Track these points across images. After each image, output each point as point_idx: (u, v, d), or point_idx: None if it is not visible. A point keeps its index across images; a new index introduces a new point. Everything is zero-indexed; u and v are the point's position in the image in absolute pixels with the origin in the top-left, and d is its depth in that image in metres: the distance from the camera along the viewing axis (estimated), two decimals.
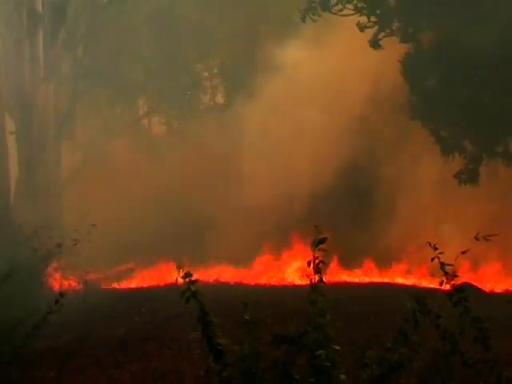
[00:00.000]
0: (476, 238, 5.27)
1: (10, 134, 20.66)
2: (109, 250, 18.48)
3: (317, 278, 4.81)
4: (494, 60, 15.11)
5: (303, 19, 17.64)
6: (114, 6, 23.04)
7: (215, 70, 30.24)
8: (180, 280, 4.98)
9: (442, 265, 5.04)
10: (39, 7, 20.69)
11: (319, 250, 4.78)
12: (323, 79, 22.61)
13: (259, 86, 23.69)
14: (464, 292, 4.95)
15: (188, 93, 26.06)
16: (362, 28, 17.12)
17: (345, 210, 21.25)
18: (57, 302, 6.24)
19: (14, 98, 20.77)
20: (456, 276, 4.99)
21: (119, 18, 22.99)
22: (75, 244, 11.97)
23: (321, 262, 4.80)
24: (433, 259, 5.06)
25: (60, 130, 21.91)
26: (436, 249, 5.02)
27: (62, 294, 6.42)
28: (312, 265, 4.81)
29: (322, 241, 4.74)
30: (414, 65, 16.86)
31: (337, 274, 19.12)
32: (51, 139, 21.31)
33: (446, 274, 5.03)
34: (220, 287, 17.02)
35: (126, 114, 25.03)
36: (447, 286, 5.01)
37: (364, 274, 19.40)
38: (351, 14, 17.39)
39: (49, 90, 21.38)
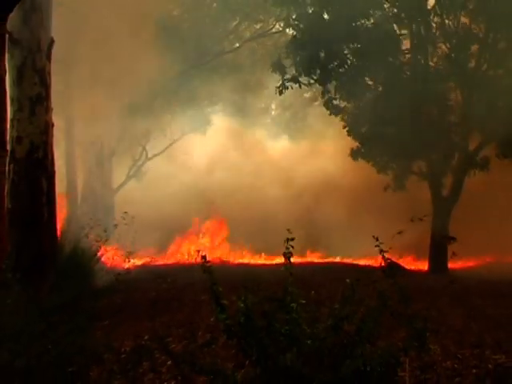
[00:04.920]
0: (411, 220, 5.50)
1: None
2: (145, 237, 18.34)
3: (287, 262, 5.05)
4: (412, 108, 15.26)
5: (280, 93, 16.20)
6: None
7: None
8: (199, 260, 5.09)
9: (382, 251, 5.16)
10: None
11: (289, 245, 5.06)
12: None
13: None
14: (396, 268, 5.08)
15: None
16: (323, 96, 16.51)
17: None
18: (117, 279, 6.42)
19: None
20: (389, 259, 5.15)
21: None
22: (116, 227, 11.93)
23: (290, 252, 5.06)
24: (376, 246, 5.16)
25: (112, 153, 21.97)
26: (377, 240, 5.11)
27: (120, 274, 6.63)
28: (286, 254, 5.08)
29: (291, 239, 5.03)
30: (355, 117, 16.72)
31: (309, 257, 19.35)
32: (106, 160, 21.51)
33: (383, 257, 5.15)
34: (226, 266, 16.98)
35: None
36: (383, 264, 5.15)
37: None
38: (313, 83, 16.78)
39: None
